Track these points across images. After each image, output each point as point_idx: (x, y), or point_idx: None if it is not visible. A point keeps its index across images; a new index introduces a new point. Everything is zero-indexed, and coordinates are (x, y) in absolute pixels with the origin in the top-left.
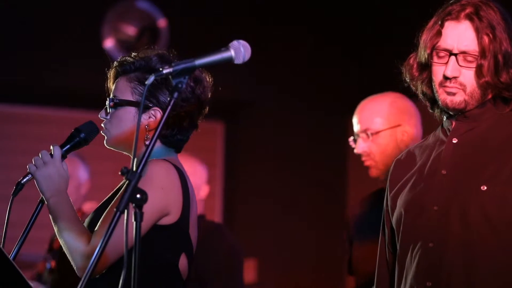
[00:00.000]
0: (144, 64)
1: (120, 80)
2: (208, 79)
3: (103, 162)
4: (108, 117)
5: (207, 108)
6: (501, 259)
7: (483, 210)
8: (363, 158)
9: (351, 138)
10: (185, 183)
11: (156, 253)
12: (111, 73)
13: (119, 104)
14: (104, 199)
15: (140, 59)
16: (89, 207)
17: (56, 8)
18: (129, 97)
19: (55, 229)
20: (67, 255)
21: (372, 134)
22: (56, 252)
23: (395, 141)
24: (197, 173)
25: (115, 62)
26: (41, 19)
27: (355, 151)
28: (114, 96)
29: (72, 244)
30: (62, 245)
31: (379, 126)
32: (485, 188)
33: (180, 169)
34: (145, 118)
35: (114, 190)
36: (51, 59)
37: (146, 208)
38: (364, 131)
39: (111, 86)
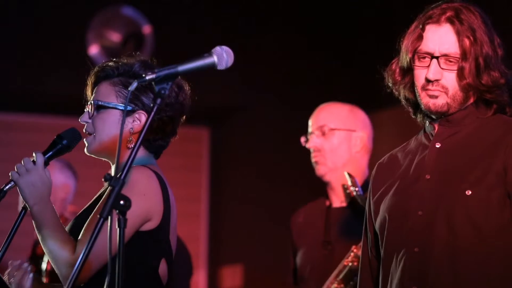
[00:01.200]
0: (128, 69)
1: (102, 85)
2: (187, 87)
3: (87, 168)
4: (90, 121)
5: (185, 115)
6: (487, 263)
7: (468, 215)
8: (313, 154)
9: (303, 138)
10: (166, 189)
11: (136, 258)
12: (91, 79)
13: (103, 107)
14: (86, 206)
15: (123, 65)
16: (72, 211)
17: (41, 17)
18: (113, 100)
19: (39, 237)
20: (52, 264)
21: (327, 130)
22: (38, 258)
23: (348, 143)
24: None
25: (95, 68)
26: (25, 28)
27: (307, 145)
28: (97, 100)
29: (56, 252)
30: (47, 254)
31: (335, 125)
32: (470, 192)
33: (161, 176)
34: (130, 121)
35: (96, 196)
36: (35, 65)
37: (129, 214)
38: (320, 127)
39: (90, 91)
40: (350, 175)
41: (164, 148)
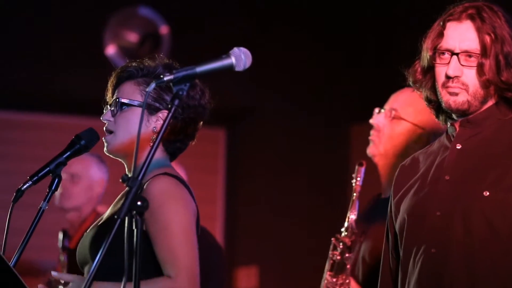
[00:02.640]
0: (152, 70)
1: (126, 84)
2: (208, 92)
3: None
4: (112, 119)
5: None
6: (503, 265)
7: (485, 216)
8: (372, 131)
9: (377, 109)
10: (191, 191)
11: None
12: (113, 79)
13: (127, 105)
14: (108, 213)
15: (147, 66)
16: (105, 209)
17: (57, 14)
18: (138, 99)
19: None
20: None
21: (395, 116)
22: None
23: (409, 138)
24: None
25: (118, 68)
26: (41, 25)
27: (370, 120)
28: (121, 97)
29: None
30: None
31: (406, 115)
32: (488, 194)
33: (182, 180)
34: (153, 121)
35: (115, 201)
36: (51, 65)
37: (185, 222)
38: (391, 109)
39: (111, 92)
40: (361, 163)
41: (181, 151)
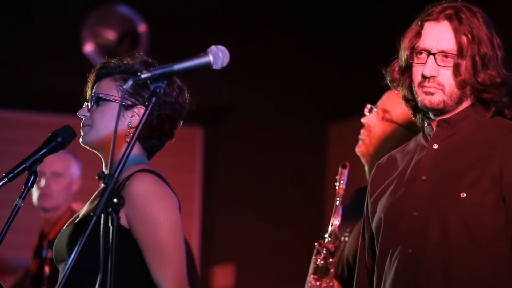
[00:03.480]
0: (129, 67)
1: (104, 80)
2: (187, 91)
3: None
4: (89, 114)
5: (182, 119)
6: (479, 266)
7: (462, 217)
8: (362, 130)
9: (369, 106)
10: (170, 187)
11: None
12: (92, 76)
13: (103, 99)
14: (84, 214)
15: (125, 63)
16: (79, 206)
17: (38, 13)
18: (114, 94)
19: None
20: None
21: (387, 118)
22: (47, 238)
23: (400, 140)
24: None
25: (98, 65)
26: (22, 25)
27: (362, 119)
28: (98, 92)
29: None
30: None
31: (397, 118)
32: (465, 195)
33: (161, 175)
34: (128, 116)
35: (91, 198)
36: (31, 63)
37: (172, 221)
38: (384, 110)
39: (90, 89)
40: (344, 165)
41: (159, 149)
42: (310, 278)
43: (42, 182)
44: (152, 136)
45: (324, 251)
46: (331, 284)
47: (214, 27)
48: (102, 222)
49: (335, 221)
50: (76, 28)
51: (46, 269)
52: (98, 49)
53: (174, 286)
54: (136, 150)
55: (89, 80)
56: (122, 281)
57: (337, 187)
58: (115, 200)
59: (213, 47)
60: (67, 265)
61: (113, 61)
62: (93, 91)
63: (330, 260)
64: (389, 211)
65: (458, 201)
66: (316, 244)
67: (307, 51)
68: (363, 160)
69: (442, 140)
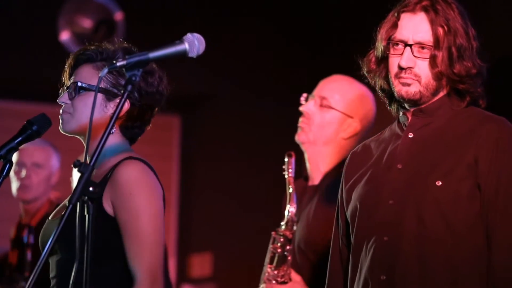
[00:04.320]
0: (111, 55)
1: (84, 67)
2: (166, 78)
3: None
4: (70, 102)
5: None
6: (454, 254)
7: (437, 205)
8: (301, 118)
9: (305, 95)
10: (156, 174)
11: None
12: (70, 61)
13: (85, 89)
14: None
15: (106, 50)
16: (56, 196)
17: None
18: (98, 87)
19: None
20: None
21: (325, 105)
22: (26, 226)
23: (338, 127)
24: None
25: (77, 50)
26: None
27: (300, 107)
28: (80, 81)
29: None
30: None
31: (335, 105)
32: (440, 183)
33: (148, 163)
34: (111, 107)
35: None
36: (3, 50)
37: (158, 211)
38: (321, 97)
39: (68, 74)
40: (290, 155)
41: (139, 135)
42: (267, 267)
43: (23, 173)
44: (134, 126)
45: (281, 239)
46: (288, 271)
47: (190, 15)
48: (77, 211)
49: (291, 208)
50: (50, 15)
51: (28, 254)
52: (74, 37)
53: (148, 275)
54: (118, 139)
55: (67, 65)
56: (112, 272)
57: (286, 176)
58: (90, 188)
59: (188, 35)
60: (43, 254)
61: (93, 47)
62: (73, 78)
63: (288, 247)
64: (365, 199)
65: (434, 189)
66: (272, 232)
67: (285, 39)
68: (303, 148)
69: (417, 129)
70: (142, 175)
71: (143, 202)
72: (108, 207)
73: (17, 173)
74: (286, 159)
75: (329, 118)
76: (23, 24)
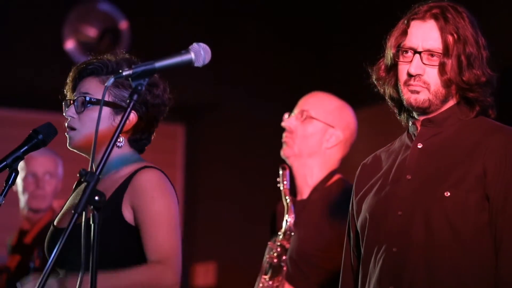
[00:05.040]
0: (116, 68)
1: (90, 81)
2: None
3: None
4: (76, 116)
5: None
6: (462, 265)
7: (446, 216)
8: (285, 134)
9: (286, 115)
10: (174, 189)
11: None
12: (73, 73)
13: (94, 103)
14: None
15: (111, 63)
16: (59, 204)
17: (20, 8)
18: (105, 98)
19: None
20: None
21: (307, 116)
22: (24, 247)
23: (321, 137)
24: None
25: (80, 63)
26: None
27: (282, 123)
28: (87, 95)
29: (150, 279)
30: None
31: (316, 115)
32: (449, 194)
33: (166, 175)
34: (118, 120)
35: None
36: (10, 59)
37: (170, 215)
38: (302, 111)
39: (71, 86)
40: (284, 167)
41: (147, 145)
42: (261, 278)
43: (37, 183)
44: (142, 138)
45: (278, 249)
46: (282, 282)
47: (195, 24)
48: (83, 220)
49: (289, 218)
50: (55, 23)
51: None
52: (79, 46)
53: (171, 272)
54: (127, 150)
55: (69, 78)
56: None
57: (281, 188)
58: (96, 197)
59: (194, 45)
60: (49, 261)
61: (97, 61)
62: (79, 91)
63: (284, 257)
64: (374, 210)
65: (442, 200)
66: (269, 242)
67: (289, 48)
68: (288, 162)
69: (426, 140)
70: (163, 181)
71: (164, 205)
72: (128, 214)
73: (29, 184)
74: (280, 172)
75: (311, 129)
76: (27, 32)
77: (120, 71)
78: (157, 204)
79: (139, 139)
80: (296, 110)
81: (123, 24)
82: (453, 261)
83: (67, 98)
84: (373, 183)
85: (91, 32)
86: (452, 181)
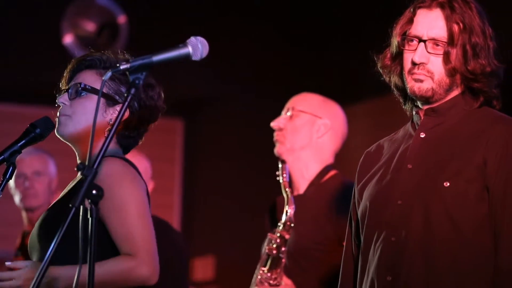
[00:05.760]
0: (114, 64)
1: (86, 72)
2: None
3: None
4: (69, 103)
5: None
6: (460, 256)
7: (445, 207)
8: (275, 133)
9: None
10: (142, 177)
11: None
12: (72, 65)
13: (88, 91)
14: (59, 197)
15: (109, 59)
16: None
17: (14, 5)
18: (99, 88)
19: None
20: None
21: (294, 112)
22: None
23: (310, 128)
24: (146, 170)
25: (79, 56)
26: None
27: (271, 123)
28: (83, 83)
29: (122, 274)
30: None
31: (303, 108)
32: (448, 184)
33: (132, 163)
34: (110, 113)
35: (69, 187)
36: (6, 54)
37: (138, 201)
38: (289, 109)
39: (67, 77)
40: (283, 161)
41: (133, 146)
42: (260, 270)
43: (26, 183)
44: (130, 136)
45: (278, 240)
46: (281, 274)
47: (194, 19)
48: (81, 213)
49: (290, 210)
50: (53, 18)
51: None
52: (78, 41)
53: (145, 262)
54: (112, 145)
55: (67, 69)
56: None
57: (281, 181)
58: (94, 191)
59: (192, 38)
60: (47, 254)
61: (96, 55)
62: (74, 81)
63: (283, 249)
64: (375, 199)
65: (442, 190)
66: (269, 234)
67: (288, 43)
68: (282, 158)
69: (429, 129)
70: (121, 168)
71: (125, 194)
72: None
73: (19, 184)
74: (280, 165)
75: (299, 121)
76: (25, 27)
77: (118, 65)
78: (118, 194)
79: (127, 136)
80: (283, 111)
81: (122, 19)
82: (452, 252)
83: (62, 88)
84: (375, 171)
85: (90, 26)
86: (452, 171)
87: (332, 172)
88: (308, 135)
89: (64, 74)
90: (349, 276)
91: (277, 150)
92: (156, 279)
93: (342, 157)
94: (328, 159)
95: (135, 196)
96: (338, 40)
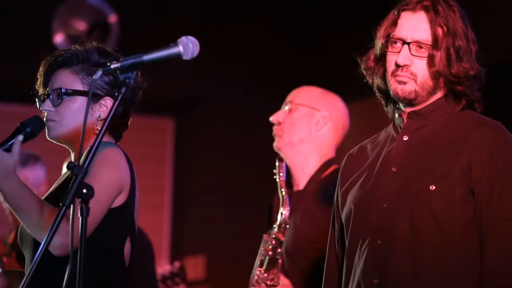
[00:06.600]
0: (87, 57)
1: (62, 72)
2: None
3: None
4: (53, 109)
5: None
6: (448, 259)
7: (431, 210)
8: (274, 127)
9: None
10: (131, 164)
11: (102, 235)
12: (44, 67)
13: (70, 94)
14: (48, 192)
15: (81, 53)
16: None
17: (3, 4)
18: (79, 87)
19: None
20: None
21: (292, 105)
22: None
23: (308, 121)
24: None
25: (49, 56)
26: None
27: (270, 118)
28: (62, 87)
29: (39, 216)
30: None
31: (301, 101)
32: (434, 187)
33: (124, 152)
34: (97, 108)
35: (60, 182)
36: (6, 54)
37: (105, 186)
38: (287, 103)
39: (42, 80)
40: (281, 159)
41: (124, 131)
42: (257, 270)
43: None
44: (120, 124)
45: (273, 242)
46: (278, 275)
47: (186, 18)
48: (71, 212)
49: (284, 211)
50: (45, 17)
51: None
52: (68, 40)
53: (64, 236)
54: (106, 138)
55: (40, 73)
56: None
57: (277, 180)
58: (84, 190)
59: (183, 38)
60: (37, 254)
61: (66, 52)
62: (52, 85)
63: (279, 250)
64: (359, 202)
65: (427, 194)
66: (264, 235)
67: (279, 40)
68: (282, 154)
69: (412, 132)
70: (112, 152)
71: (102, 170)
72: None
73: None
74: (277, 163)
75: (298, 115)
76: (25, 27)
77: (98, 62)
78: (98, 169)
79: (118, 125)
80: (283, 104)
81: (113, 18)
82: (438, 255)
83: (40, 94)
84: (359, 174)
85: (80, 25)
86: (437, 174)
87: (333, 167)
88: (307, 128)
89: (38, 77)
90: (333, 278)
91: (276, 144)
92: (58, 254)
93: (338, 155)
94: (329, 153)
95: (108, 177)
96: (332, 38)
